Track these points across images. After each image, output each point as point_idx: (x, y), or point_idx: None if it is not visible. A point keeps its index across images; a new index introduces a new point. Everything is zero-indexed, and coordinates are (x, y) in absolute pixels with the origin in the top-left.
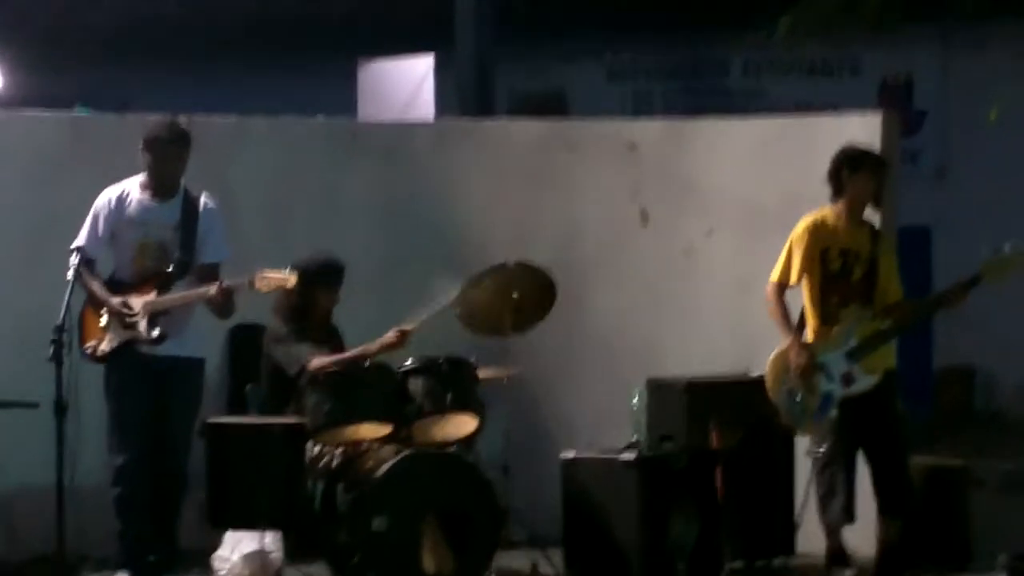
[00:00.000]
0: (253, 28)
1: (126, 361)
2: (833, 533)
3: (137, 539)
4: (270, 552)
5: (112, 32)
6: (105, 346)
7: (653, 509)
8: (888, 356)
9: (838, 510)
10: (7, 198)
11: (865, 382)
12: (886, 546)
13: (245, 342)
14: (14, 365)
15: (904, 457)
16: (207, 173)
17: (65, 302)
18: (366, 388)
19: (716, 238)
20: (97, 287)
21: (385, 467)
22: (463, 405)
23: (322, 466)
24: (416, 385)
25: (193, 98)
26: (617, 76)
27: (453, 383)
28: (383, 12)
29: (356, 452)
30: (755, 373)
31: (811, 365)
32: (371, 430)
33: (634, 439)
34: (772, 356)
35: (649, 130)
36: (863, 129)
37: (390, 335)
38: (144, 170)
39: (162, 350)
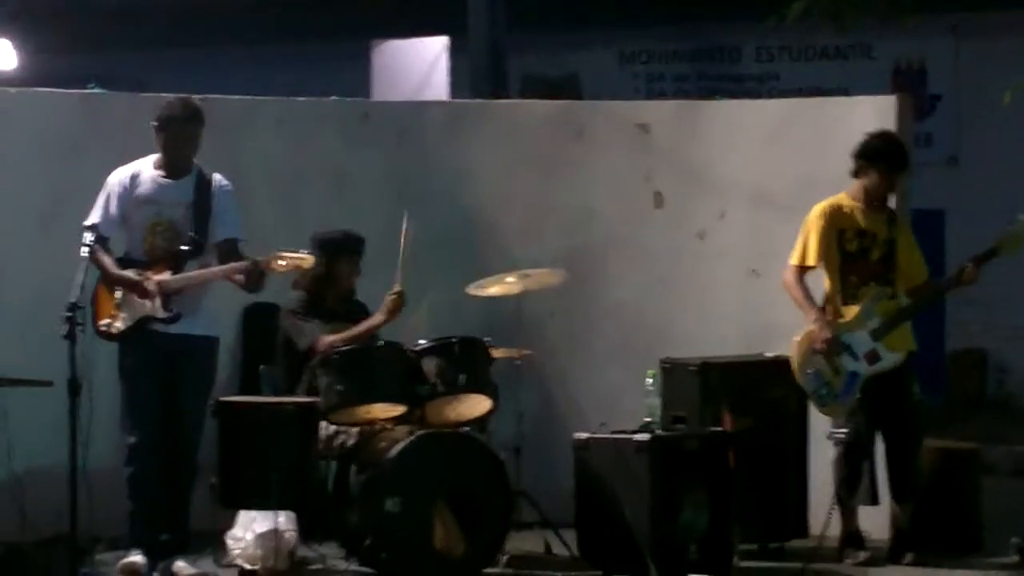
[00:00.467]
0: (267, 8)
1: (140, 342)
2: (851, 515)
3: (149, 519)
4: (284, 531)
5: (125, 12)
6: (120, 324)
7: (666, 491)
8: (909, 339)
9: (863, 492)
10: (21, 176)
11: (890, 359)
12: (898, 530)
13: (259, 322)
14: (27, 344)
15: (918, 442)
16: (220, 154)
17: (79, 280)
18: (380, 368)
19: (729, 221)
20: (110, 264)
21: (398, 448)
22: (476, 386)
23: (336, 446)
24: (429, 365)
25: (206, 78)
26: (630, 61)
27: (466, 363)
28: None
29: (371, 432)
30: (769, 354)
31: (836, 341)
32: (384, 410)
33: (647, 420)
34: (797, 338)
35: (662, 112)
36: (876, 112)
37: (386, 301)
38: (157, 149)
39: (175, 328)
